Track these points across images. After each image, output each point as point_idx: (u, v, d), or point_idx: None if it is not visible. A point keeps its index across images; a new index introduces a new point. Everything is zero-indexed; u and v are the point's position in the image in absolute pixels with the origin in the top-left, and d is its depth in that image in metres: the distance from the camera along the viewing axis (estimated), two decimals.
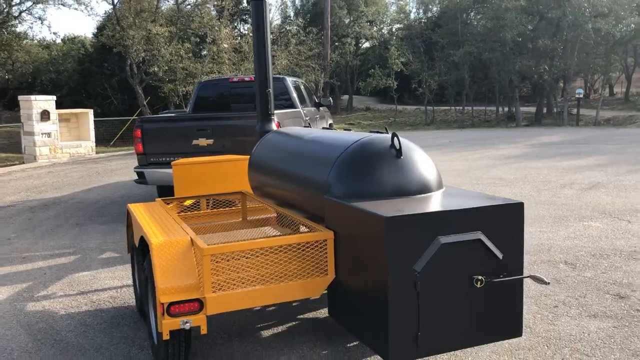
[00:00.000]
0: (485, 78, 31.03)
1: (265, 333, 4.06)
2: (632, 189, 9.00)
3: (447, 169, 11.64)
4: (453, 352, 3.65)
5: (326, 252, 3.39)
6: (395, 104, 34.91)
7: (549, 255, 5.62)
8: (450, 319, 2.96)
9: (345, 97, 41.86)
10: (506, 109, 31.22)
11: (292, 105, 9.08)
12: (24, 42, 28.10)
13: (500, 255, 3.03)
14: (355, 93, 41.86)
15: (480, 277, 2.96)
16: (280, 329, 4.13)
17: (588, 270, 5.15)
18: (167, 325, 3.07)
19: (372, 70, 33.21)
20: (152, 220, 3.88)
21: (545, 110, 29.93)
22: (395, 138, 3.43)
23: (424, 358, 3.01)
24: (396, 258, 2.81)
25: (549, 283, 3.03)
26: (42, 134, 16.00)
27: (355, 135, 3.75)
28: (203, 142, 7.56)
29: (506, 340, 3.77)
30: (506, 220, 3.04)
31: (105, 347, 3.93)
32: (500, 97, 31.13)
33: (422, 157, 3.50)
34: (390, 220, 2.80)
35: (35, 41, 32.16)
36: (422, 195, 3.37)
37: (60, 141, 16.66)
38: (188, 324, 3.09)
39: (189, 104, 9.83)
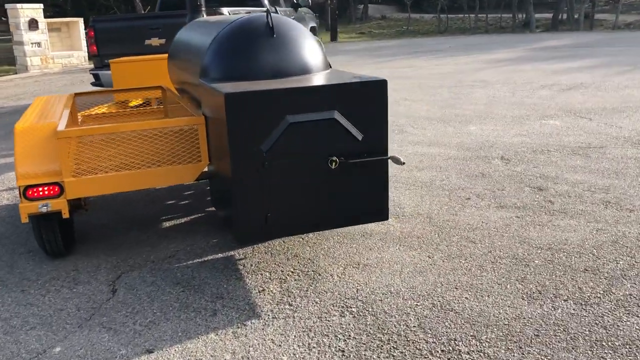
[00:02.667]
0: None
1: (166, 224, 4.06)
2: (612, 90, 8.61)
3: (434, 73, 11.27)
4: (329, 238, 3.60)
5: (199, 138, 3.30)
6: (408, 11, 33.59)
7: (488, 152, 5.45)
8: (304, 201, 2.88)
9: (362, 6, 40.33)
10: (523, 15, 29.78)
11: (260, 4, 8.72)
12: None
13: (359, 136, 2.89)
14: (370, 1, 40.28)
15: (334, 158, 2.85)
16: (182, 220, 4.12)
17: (520, 165, 4.99)
18: (25, 208, 3.06)
19: None
20: (40, 110, 3.80)
21: (565, 16, 28.47)
22: (269, 16, 3.23)
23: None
24: (239, 137, 2.70)
25: (404, 163, 2.90)
26: (32, 43, 15.83)
27: (237, 17, 3.54)
28: (155, 41, 7.36)
29: (398, 229, 3.71)
30: (366, 99, 2.88)
31: (7, 236, 3.99)
32: (517, 1, 29.62)
33: (300, 37, 3.30)
34: (230, 97, 2.66)
35: None
36: (299, 76, 3.21)
37: (52, 51, 16.50)
38: (45, 208, 3.07)
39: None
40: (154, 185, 3.27)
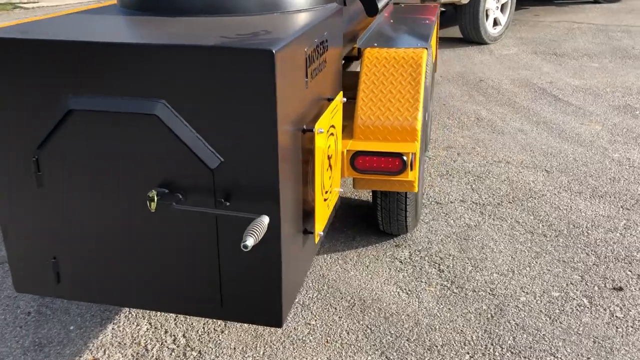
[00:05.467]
0: None
1: None
2: None
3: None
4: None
5: None
6: None
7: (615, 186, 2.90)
8: (115, 252, 1.56)
9: None
10: None
11: None
12: None
13: (212, 161, 1.39)
14: None
15: (152, 194, 1.42)
16: None
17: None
18: None
19: None
20: None
21: None
22: None
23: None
24: None
25: (246, 248, 1.28)
26: None
27: None
28: None
29: (418, 319, 2.05)
30: (234, 85, 1.33)
31: None
32: None
33: None
34: None
35: None
36: (252, 16, 1.79)
37: None
38: None
39: None
40: None
